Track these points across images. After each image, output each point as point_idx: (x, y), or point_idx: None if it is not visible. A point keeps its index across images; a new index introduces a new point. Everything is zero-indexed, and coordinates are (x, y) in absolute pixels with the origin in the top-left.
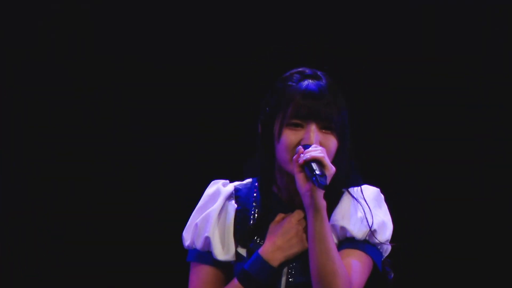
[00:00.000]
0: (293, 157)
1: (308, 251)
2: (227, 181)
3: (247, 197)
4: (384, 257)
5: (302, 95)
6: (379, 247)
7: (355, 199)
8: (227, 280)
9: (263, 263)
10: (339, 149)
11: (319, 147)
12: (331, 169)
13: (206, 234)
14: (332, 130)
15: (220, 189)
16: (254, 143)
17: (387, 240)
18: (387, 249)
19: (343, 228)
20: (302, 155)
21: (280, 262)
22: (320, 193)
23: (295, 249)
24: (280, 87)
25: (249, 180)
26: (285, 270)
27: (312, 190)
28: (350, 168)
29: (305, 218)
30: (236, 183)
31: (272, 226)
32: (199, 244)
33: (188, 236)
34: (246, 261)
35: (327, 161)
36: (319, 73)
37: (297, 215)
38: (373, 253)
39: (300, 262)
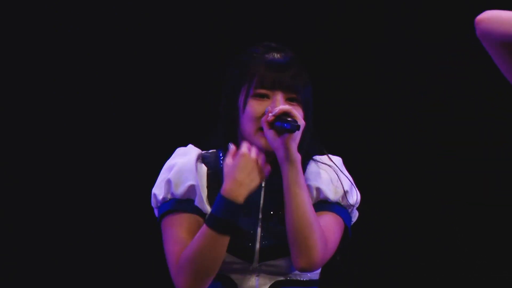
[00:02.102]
0: (258, 127)
1: (285, 205)
2: (190, 145)
3: (215, 163)
4: (353, 222)
5: (268, 66)
6: (350, 210)
7: (323, 163)
8: None
9: (228, 203)
10: (304, 120)
11: (286, 105)
12: (301, 120)
13: (190, 183)
14: (298, 102)
15: (189, 150)
16: (215, 116)
17: (356, 204)
18: (356, 215)
19: (318, 189)
20: (270, 114)
21: (244, 198)
22: (295, 145)
23: (256, 182)
24: (245, 60)
25: (213, 150)
26: (259, 234)
27: (287, 142)
28: (315, 138)
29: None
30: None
31: (226, 166)
32: (179, 193)
33: (161, 191)
34: None
35: (296, 113)
36: (283, 46)
37: (245, 146)
38: (345, 216)
39: (273, 224)
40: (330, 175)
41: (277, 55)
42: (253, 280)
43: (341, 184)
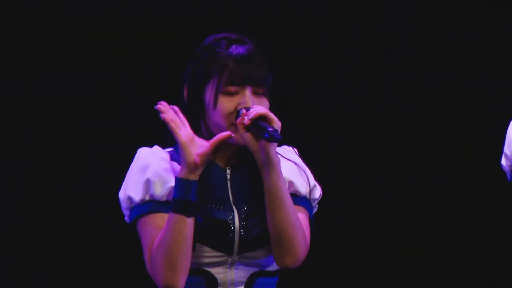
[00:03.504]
0: (231, 123)
1: (266, 208)
2: (156, 146)
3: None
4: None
5: (234, 61)
6: (313, 205)
7: (286, 158)
8: None
9: (184, 182)
10: (270, 110)
11: (260, 106)
12: (278, 122)
13: (170, 184)
14: (264, 94)
15: (157, 150)
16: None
17: (318, 198)
18: (315, 209)
19: (291, 183)
20: (246, 117)
21: (194, 173)
22: (274, 149)
23: (201, 153)
24: (208, 55)
25: (172, 148)
26: (237, 226)
27: (266, 147)
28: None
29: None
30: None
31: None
32: (159, 194)
33: (138, 192)
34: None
35: (273, 116)
36: (243, 37)
37: (175, 127)
38: (310, 210)
39: (249, 216)
40: (298, 169)
41: (241, 48)
42: (233, 273)
43: (307, 178)
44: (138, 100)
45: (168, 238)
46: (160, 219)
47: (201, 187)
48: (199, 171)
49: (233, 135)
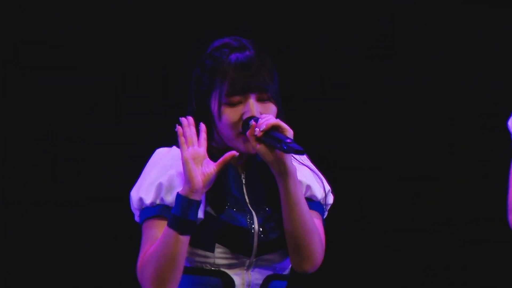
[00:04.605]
0: (239, 133)
1: (283, 216)
2: (174, 147)
3: None
4: None
5: (234, 70)
6: (326, 209)
7: (300, 163)
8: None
9: (182, 199)
10: (278, 116)
11: (269, 115)
12: (290, 131)
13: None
14: (270, 99)
15: (174, 152)
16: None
17: (330, 205)
18: (326, 214)
19: (308, 187)
20: (257, 128)
21: (196, 193)
22: (290, 158)
23: (207, 173)
24: (210, 64)
25: None
26: (256, 229)
27: (282, 157)
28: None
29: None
30: None
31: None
32: (169, 200)
33: (149, 195)
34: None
35: (285, 125)
36: (245, 42)
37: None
38: (323, 215)
39: (269, 220)
40: (313, 174)
41: (240, 56)
42: (249, 275)
43: (323, 184)
44: (138, 100)
45: (159, 252)
46: (164, 224)
47: (220, 190)
48: (201, 190)
49: (237, 154)
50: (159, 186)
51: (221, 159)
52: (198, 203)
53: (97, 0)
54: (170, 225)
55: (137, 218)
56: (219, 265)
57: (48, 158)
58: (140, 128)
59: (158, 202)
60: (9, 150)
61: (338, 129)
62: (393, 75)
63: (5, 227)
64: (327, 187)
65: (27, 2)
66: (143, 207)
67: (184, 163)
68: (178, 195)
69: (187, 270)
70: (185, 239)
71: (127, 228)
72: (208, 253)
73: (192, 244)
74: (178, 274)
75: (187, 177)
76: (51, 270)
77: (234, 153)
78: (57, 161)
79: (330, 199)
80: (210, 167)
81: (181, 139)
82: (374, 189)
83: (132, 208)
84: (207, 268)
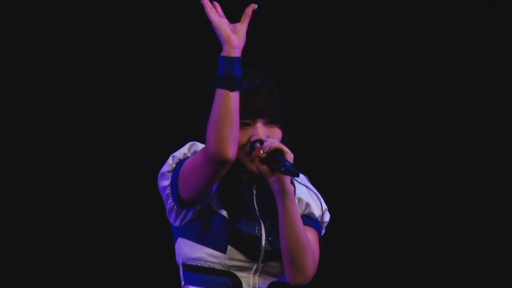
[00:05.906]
0: (246, 153)
1: (280, 232)
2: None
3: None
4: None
5: (245, 96)
6: (323, 227)
7: (299, 183)
8: None
9: (226, 60)
10: (283, 139)
11: (273, 139)
12: (291, 154)
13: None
14: (276, 123)
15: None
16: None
17: (327, 223)
18: (323, 231)
19: (307, 204)
20: (261, 150)
21: (239, 49)
22: (288, 179)
23: (237, 27)
24: None
25: None
26: (264, 237)
27: (281, 178)
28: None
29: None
30: None
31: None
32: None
33: (183, 153)
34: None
35: (286, 148)
36: (256, 70)
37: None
38: (320, 231)
39: (275, 230)
40: (311, 193)
41: (251, 83)
42: (256, 279)
43: (320, 203)
44: (138, 100)
45: (215, 113)
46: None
47: (234, 199)
48: (239, 46)
49: (255, 6)
50: (193, 145)
51: (243, 15)
52: (239, 59)
53: (97, 0)
54: (219, 85)
55: (167, 179)
56: (229, 266)
57: (48, 158)
58: (140, 128)
59: (190, 154)
60: (9, 150)
61: (337, 129)
62: (393, 75)
63: (5, 227)
64: (324, 206)
65: (27, 2)
66: (175, 163)
67: (217, 27)
68: (219, 57)
69: (201, 270)
70: (235, 95)
71: (127, 228)
72: (220, 254)
73: (207, 245)
74: (235, 131)
75: (223, 37)
76: (51, 270)
77: (253, 5)
78: (57, 161)
79: (327, 217)
80: (238, 25)
81: (208, 8)
82: (373, 190)
83: (160, 190)
84: (219, 268)
